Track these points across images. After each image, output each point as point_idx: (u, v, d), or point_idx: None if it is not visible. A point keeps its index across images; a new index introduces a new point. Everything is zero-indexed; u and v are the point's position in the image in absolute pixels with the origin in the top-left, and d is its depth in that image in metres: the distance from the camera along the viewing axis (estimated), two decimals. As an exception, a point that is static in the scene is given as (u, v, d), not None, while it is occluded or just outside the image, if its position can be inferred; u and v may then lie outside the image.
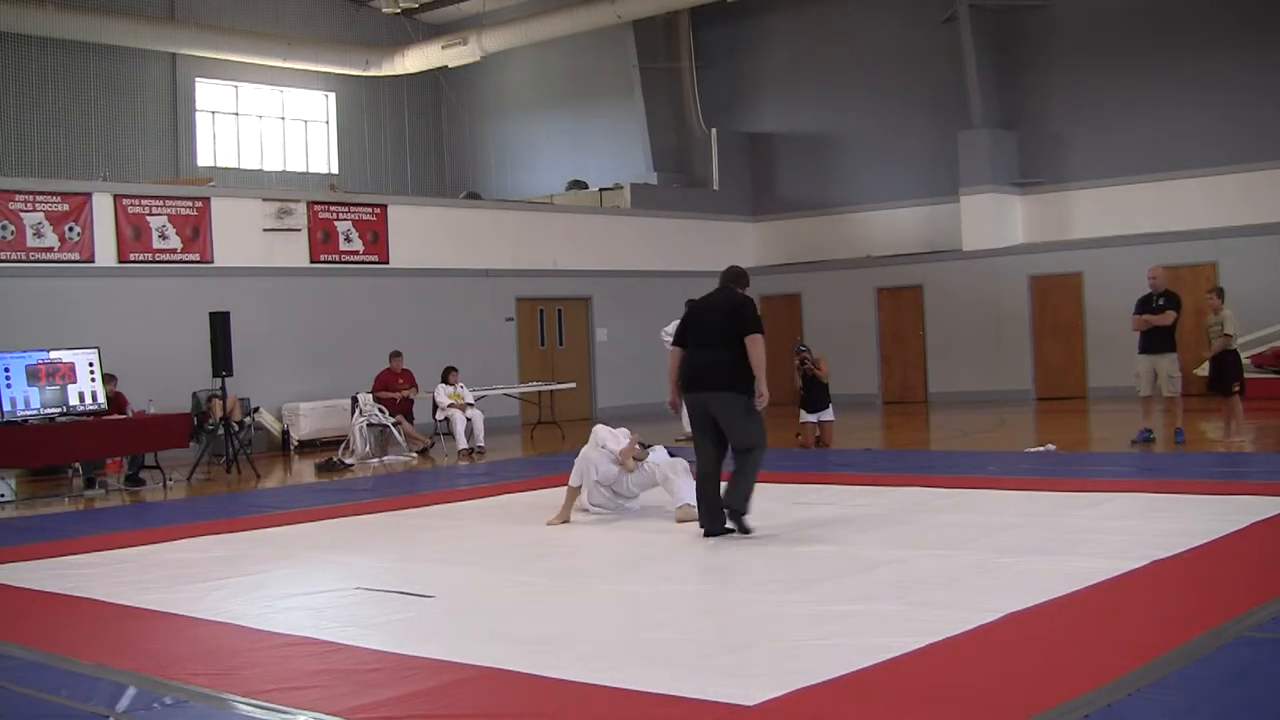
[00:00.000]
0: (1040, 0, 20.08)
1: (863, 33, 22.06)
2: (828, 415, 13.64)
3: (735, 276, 8.10)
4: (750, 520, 7.72)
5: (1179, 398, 12.41)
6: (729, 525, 7.73)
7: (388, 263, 18.54)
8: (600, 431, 9.10)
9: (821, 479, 10.48)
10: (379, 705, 4.34)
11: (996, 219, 20.10)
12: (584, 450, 8.98)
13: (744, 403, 7.66)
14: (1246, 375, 12.97)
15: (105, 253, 15.74)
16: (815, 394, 13.56)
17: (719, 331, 7.74)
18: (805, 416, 13.61)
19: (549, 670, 4.67)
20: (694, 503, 8.07)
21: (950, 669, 4.51)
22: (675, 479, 8.58)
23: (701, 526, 7.82)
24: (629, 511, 9.00)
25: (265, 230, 17.22)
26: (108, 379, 12.94)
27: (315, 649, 5.25)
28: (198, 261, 16.54)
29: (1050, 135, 20.15)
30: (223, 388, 13.83)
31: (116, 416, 12.86)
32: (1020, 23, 20.45)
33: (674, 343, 8.13)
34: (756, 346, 7.61)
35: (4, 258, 14.92)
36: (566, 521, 8.63)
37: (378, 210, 18.55)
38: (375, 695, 4.47)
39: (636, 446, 8.85)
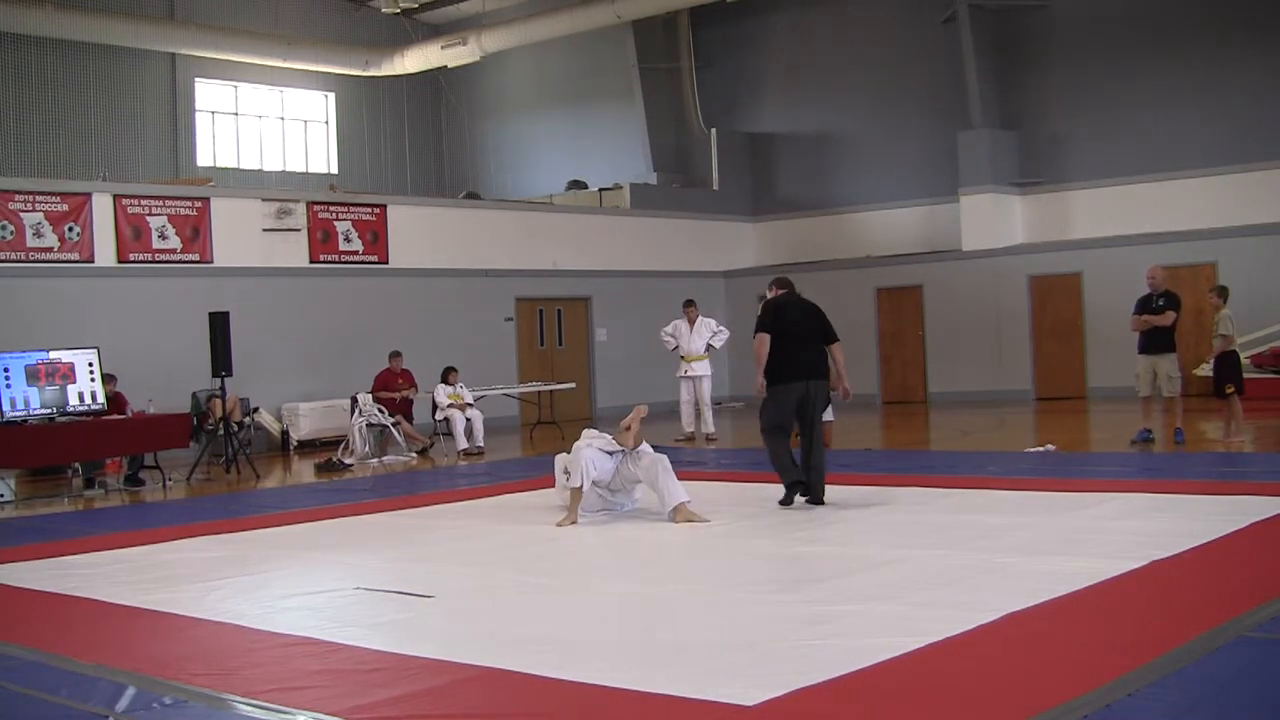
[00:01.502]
0: (1040, 0, 20.10)
1: (862, 33, 22.06)
2: (828, 415, 13.60)
3: (793, 285, 9.47)
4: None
5: (1179, 398, 12.40)
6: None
7: (387, 263, 18.54)
8: (585, 438, 9.04)
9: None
10: (379, 705, 4.34)
11: (996, 219, 20.10)
12: (575, 450, 8.84)
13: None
14: (1247, 375, 12.96)
15: (105, 253, 15.74)
16: None
17: (814, 331, 9.15)
18: None
19: (549, 670, 4.66)
20: (687, 500, 8.44)
21: (950, 669, 4.51)
22: (662, 478, 8.53)
23: (792, 488, 8.87)
24: (625, 510, 8.97)
25: (265, 230, 17.22)
26: (107, 379, 12.94)
27: (315, 649, 5.25)
28: (197, 261, 16.53)
29: (1050, 135, 20.15)
30: (222, 388, 13.82)
31: (116, 416, 12.86)
32: (1020, 23, 20.45)
33: (763, 331, 9.06)
34: (842, 351, 9.37)
35: (4, 258, 14.92)
36: (575, 523, 8.59)
37: (377, 210, 18.55)
38: (375, 695, 4.47)
39: (642, 416, 8.85)
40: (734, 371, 20.79)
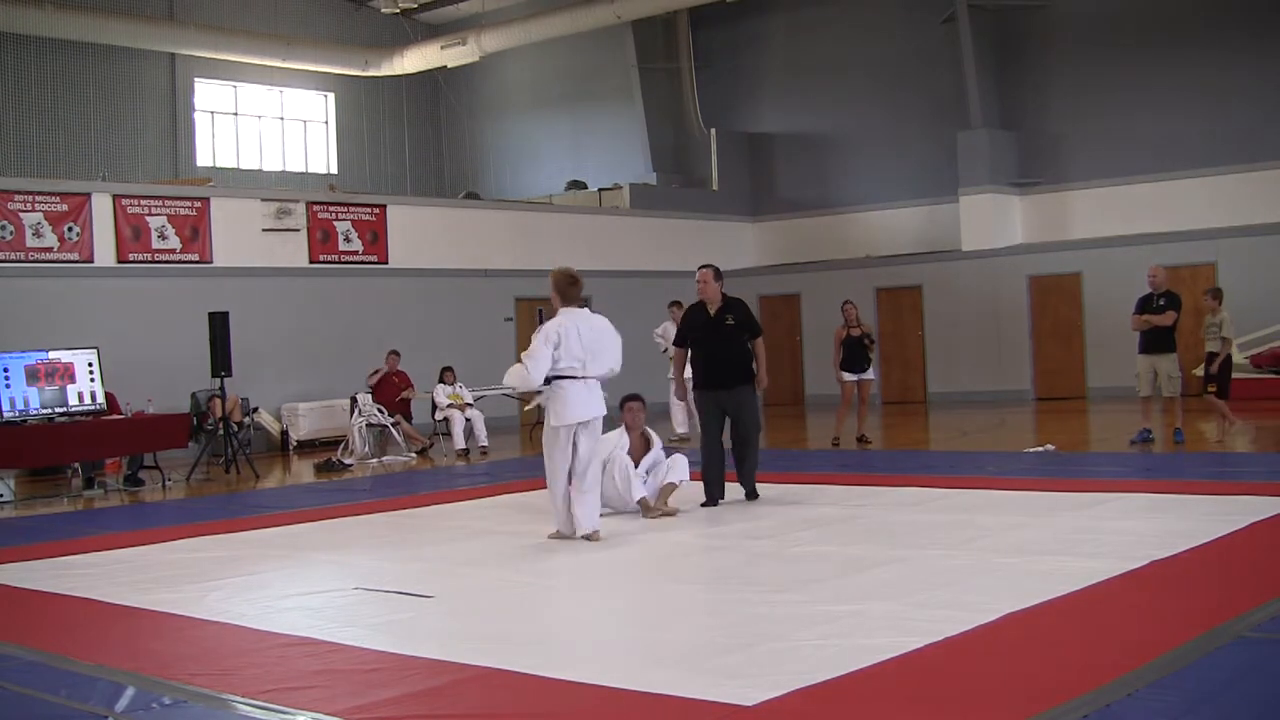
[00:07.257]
0: (1040, 0, 20.10)
1: (862, 33, 22.06)
2: (868, 375, 13.80)
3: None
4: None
5: (1179, 398, 12.41)
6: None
7: (387, 263, 18.54)
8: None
9: (822, 479, 10.48)
10: (379, 705, 4.34)
11: (996, 219, 20.10)
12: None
13: None
14: (1246, 375, 12.99)
15: (105, 253, 15.74)
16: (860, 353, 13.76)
17: None
18: (848, 376, 13.73)
19: (549, 670, 4.66)
20: (677, 481, 8.90)
21: (950, 669, 4.51)
22: (674, 461, 8.91)
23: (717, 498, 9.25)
24: (629, 508, 8.96)
25: (264, 230, 17.22)
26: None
27: (315, 649, 5.24)
28: (197, 262, 16.53)
29: (1050, 135, 20.15)
30: (222, 388, 13.82)
31: (116, 417, 12.85)
32: (1020, 23, 20.45)
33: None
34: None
35: (4, 258, 14.92)
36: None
37: (377, 210, 18.55)
38: (375, 695, 4.47)
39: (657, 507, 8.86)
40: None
